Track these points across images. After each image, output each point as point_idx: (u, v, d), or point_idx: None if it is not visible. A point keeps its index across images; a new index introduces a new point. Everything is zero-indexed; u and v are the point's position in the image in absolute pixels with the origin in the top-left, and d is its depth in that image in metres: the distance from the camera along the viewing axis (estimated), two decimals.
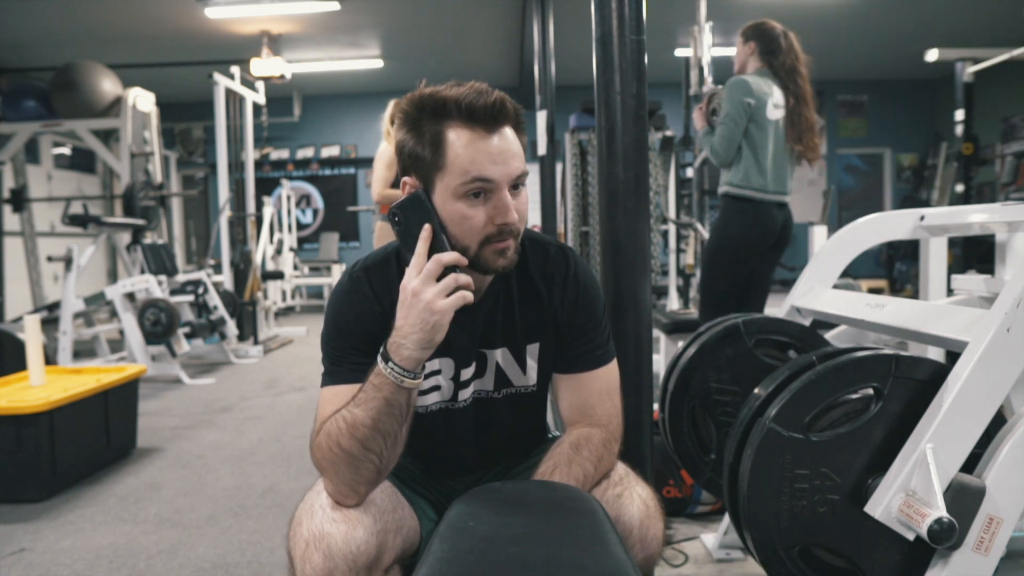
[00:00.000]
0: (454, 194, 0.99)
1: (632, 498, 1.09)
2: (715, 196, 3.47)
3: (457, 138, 0.98)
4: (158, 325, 4.59)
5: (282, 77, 7.23)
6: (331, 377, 1.08)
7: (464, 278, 0.97)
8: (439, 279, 0.96)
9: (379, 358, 0.97)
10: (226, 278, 5.98)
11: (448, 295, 0.96)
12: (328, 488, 1.02)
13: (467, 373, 1.15)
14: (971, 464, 1.15)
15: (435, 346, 0.97)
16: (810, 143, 2.78)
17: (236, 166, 6.37)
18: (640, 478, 1.14)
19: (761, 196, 2.74)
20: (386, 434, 0.97)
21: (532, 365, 1.17)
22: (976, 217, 1.63)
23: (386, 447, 0.98)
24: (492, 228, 1.00)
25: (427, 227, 0.99)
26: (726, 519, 1.92)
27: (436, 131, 0.99)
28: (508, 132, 1.01)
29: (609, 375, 1.17)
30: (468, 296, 0.97)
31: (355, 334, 1.07)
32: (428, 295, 0.95)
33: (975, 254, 5.98)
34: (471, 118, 0.98)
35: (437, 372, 1.14)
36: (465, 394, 1.16)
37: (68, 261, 4.69)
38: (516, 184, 1.01)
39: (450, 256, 0.98)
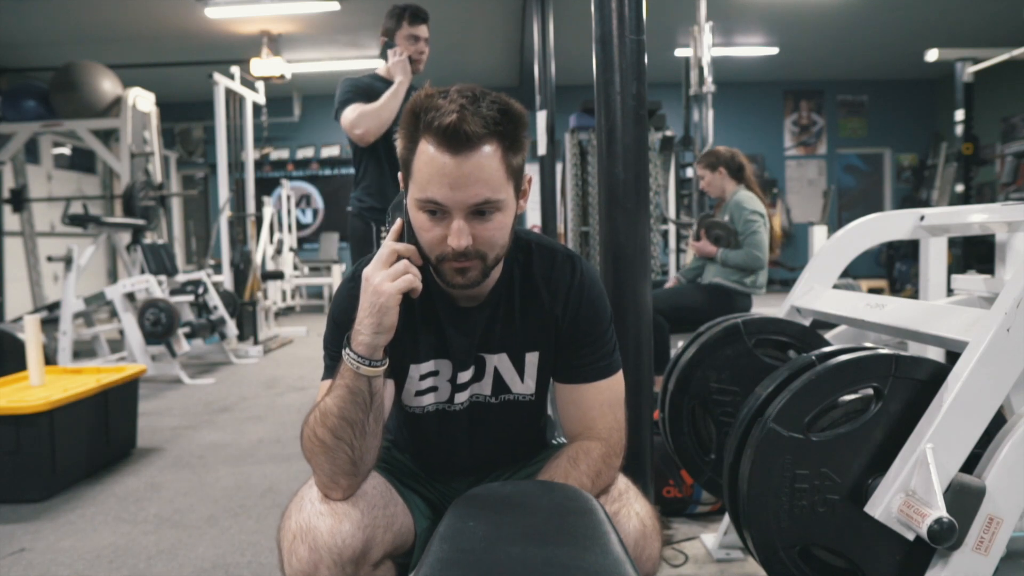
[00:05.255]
0: (415, 205, 1.00)
1: (629, 516, 1.07)
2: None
3: (423, 152, 0.97)
4: (158, 325, 4.58)
5: (282, 77, 7.23)
6: (328, 371, 1.09)
7: (414, 267, 1.00)
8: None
9: (342, 347, 1.00)
10: (226, 278, 5.97)
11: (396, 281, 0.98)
12: (316, 481, 1.03)
13: (464, 376, 1.14)
14: (971, 464, 1.15)
15: (387, 331, 0.98)
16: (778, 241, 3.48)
17: (236, 166, 6.37)
18: (640, 493, 1.12)
19: (751, 292, 3.28)
20: (353, 423, 0.98)
21: (531, 374, 1.16)
22: (976, 217, 1.63)
23: (355, 436, 0.98)
24: (447, 248, 0.99)
25: (399, 221, 1.03)
26: (726, 519, 1.92)
27: (413, 138, 0.99)
28: (476, 155, 0.95)
29: (612, 387, 1.15)
30: (415, 282, 0.99)
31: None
32: (376, 279, 0.98)
33: (975, 254, 5.98)
34: (435, 135, 0.96)
35: (434, 373, 1.14)
36: (461, 397, 1.16)
37: (68, 261, 4.69)
38: (479, 210, 0.98)
39: (403, 246, 1.00)
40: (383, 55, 2.78)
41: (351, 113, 2.66)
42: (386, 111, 2.66)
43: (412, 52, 2.74)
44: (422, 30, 2.78)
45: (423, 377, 1.14)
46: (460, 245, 0.97)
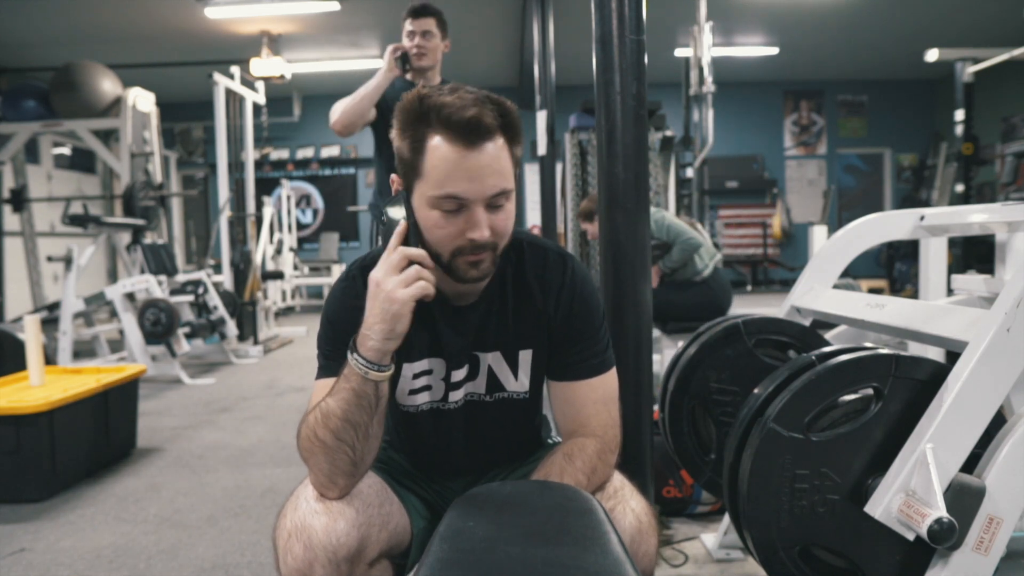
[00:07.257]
0: (428, 203, 1.00)
1: (625, 512, 1.07)
2: (715, 196, 3.57)
3: (436, 149, 0.98)
4: (158, 325, 4.59)
5: (282, 77, 7.23)
6: (323, 371, 1.09)
7: (426, 272, 0.99)
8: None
9: (348, 349, 0.99)
10: (226, 278, 5.97)
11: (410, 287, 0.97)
12: (312, 480, 1.03)
13: (458, 375, 1.14)
14: (971, 464, 1.15)
15: (398, 337, 0.98)
16: None
17: (236, 166, 6.37)
18: (636, 490, 1.12)
19: (711, 270, 3.50)
20: (356, 425, 0.98)
21: (525, 372, 1.16)
22: (976, 217, 1.63)
23: (358, 439, 0.98)
24: (464, 241, 1.00)
25: (402, 223, 1.02)
26: (726, 519, 1.92)
27: (419, 137, 0.99)
28: (491, 147, 0.98)
29: (606, 384, 1.15)
30: (428, 288, 0.98)
31: (347, 331, 1.07)
32: (389, 285, 0.97)
33: (975, 254, 5.98)
34: (450, 130, 0.97)
35: (428, 372, 1.14)
36: (456, 396, 1.16)
37: (68, 261, 4.69)
38: (495, 201, 1.00)
39: (415, 251, 0.99)
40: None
41: (334, 108, 2.62)
42: (360, 100, 2.59)
43: (409, 47, 2.65)
44: (419, 24, 2.66)
45: (416, 376, 1.14)
46: (484, 236, 0.99)
